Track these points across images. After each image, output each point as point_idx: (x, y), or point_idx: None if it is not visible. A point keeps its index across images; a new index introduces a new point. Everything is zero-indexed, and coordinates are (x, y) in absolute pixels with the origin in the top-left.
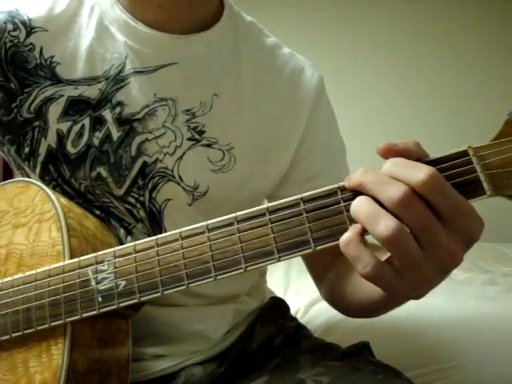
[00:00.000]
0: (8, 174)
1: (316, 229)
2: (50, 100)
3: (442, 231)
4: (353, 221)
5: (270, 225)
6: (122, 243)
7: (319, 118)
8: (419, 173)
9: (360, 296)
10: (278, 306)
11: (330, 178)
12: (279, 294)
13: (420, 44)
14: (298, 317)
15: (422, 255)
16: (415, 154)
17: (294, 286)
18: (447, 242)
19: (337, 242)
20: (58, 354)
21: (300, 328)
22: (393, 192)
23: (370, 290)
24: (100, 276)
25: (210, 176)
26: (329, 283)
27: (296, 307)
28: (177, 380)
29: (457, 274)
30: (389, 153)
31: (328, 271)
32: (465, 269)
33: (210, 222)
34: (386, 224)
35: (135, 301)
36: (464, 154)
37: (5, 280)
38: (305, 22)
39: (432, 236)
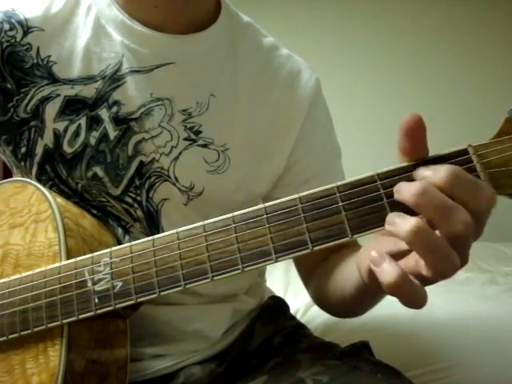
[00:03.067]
0: (8, 174)
1: (314, 229)
2: (46, 99)
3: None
4: (351, 220)
5: (267, 225)
6: (120, 242)
7: (314, 121)
8: (484, 196)
9: (342, 289)
10: (277, 306)
11: (323, 181)
12: (279, 294)
13: (420, 43)
14: (298, 316)
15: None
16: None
17: (293, 285)
18: (466, 255)
19: (335, 243)
20: (55, 355)
21: (299, 327)
22: (457, 224)
23: (351, 285)
24: (96, 277)
25: (206, 177)
26: (315, 281)
27: (296, 307)
28: (176, 380)
29: (457, 273)
30: (414, 129)
31: (316, 270)
32: (465, 269)
33: (207, 222)
34: (454, 259)
35: (132, 302)
36: (464, 152)
37: (1, 281)
38: (303, 21)
39: (466, 249)
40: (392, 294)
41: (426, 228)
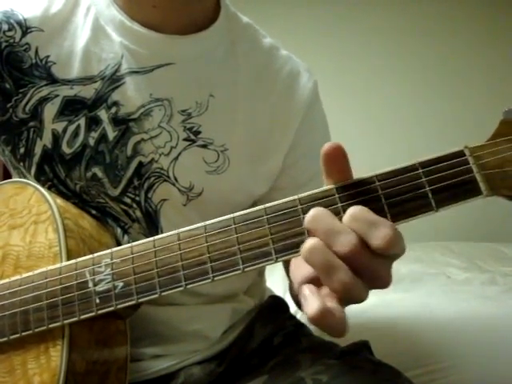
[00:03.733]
0: (7, 175)
1: None
2: (45, 100)
3: (381, 266)
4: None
5: (267, 226)
6: (119, 243)
7: (311, 124)
8: (380, 233)
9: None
10: (277, 305)
11: (319, 184)
12: (279, 294)
13: (418, 44)
14: (298, 316)
15: (357, 285)
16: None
17: None
18: (385, 273)
19: None
20: (56, 355)
21: (299, 326)
22: (343, 244)
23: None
24: (97, 277)
25: (205, 177)
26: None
27: (296, 307)
28: (176, 380)
29: (457, 273)
30: (333, 154)
31: None
32: (465, 269)
33: (207, 222)
34: (341, 277)
35: (133, 302)
36: (460, 154)
37: (1, 282)
38: (302, 22)
39: (373, 273)
40: (314, 325)
41: (321, 246)
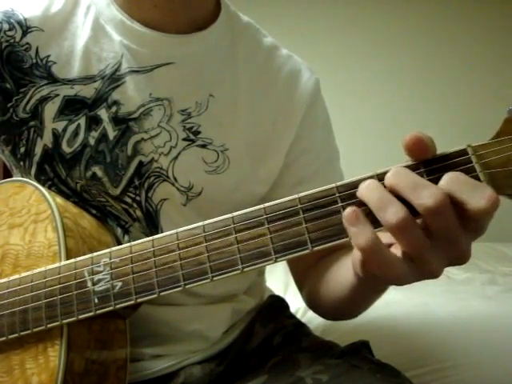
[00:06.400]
0: (7, 174)
1: (313, 229)
2: (45, 99)
3: (462, 235)
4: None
5: (266, 225)
6: (119, 242)
7: (313, 122)
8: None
9: (334, 290)
10: (276, 304)
11: (321, 182)
12: (279, 293)
13: (419, 43)
14: (298, 316)
15: (429, 249)
16: (432, 150)
17: (294, 285)
18: (463, 244)
19: (335, 243)
20: (54, 355)
21: (299, 326)
22: (427, 199)
23: (345, 285)
24: (96, 277)
25: (205, 177)
26: (309, 283)
27: (296, 306)
28: (176, 380)
29: (457, 273)
30: (416, 146)
31: (309, 272)
32: (465, 269)
33: (206, 222)
34: (395, 211)
35: (132, 302)
36: (463, 152)
37: (1, 281)
38: (302, 22)
39: (452, 239)
40: (365, 260)
41: (377, 185)
